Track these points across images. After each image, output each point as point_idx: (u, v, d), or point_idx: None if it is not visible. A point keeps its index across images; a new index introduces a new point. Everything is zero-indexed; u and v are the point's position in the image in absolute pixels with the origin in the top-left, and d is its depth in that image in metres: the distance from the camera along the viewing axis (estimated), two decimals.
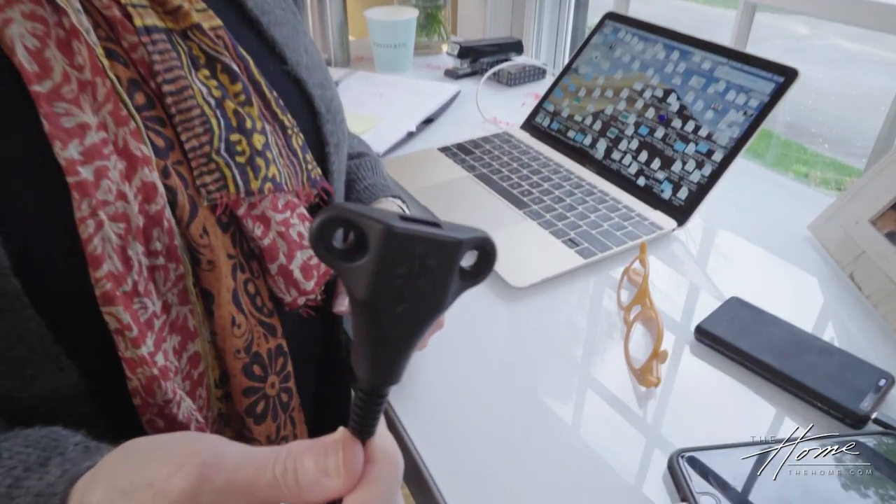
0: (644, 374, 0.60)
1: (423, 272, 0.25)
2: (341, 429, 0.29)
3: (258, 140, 0.47)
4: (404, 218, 0.25)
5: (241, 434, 0.51)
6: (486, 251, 0.27)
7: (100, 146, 0.39)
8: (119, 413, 0.43)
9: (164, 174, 0.43)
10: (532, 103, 1.16)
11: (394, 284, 0.25)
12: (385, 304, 0.26)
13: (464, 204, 0.88)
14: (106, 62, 0.41)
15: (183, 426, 0.44)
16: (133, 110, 0.41)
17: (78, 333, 0.40)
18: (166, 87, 0.43)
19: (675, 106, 0.91)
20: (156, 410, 0.43)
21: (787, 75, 0.80)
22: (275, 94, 0.50)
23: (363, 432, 0.29)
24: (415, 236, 0.25)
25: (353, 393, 0.29)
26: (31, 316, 0.37)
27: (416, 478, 0.56)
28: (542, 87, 1.34)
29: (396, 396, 0.61)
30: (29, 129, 0.37)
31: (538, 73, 1.37)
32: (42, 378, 0.39)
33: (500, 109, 1.22)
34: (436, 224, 0.26)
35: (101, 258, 0.38)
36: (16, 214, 0.37)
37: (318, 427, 0.61)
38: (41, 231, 0.38)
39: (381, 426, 0.30)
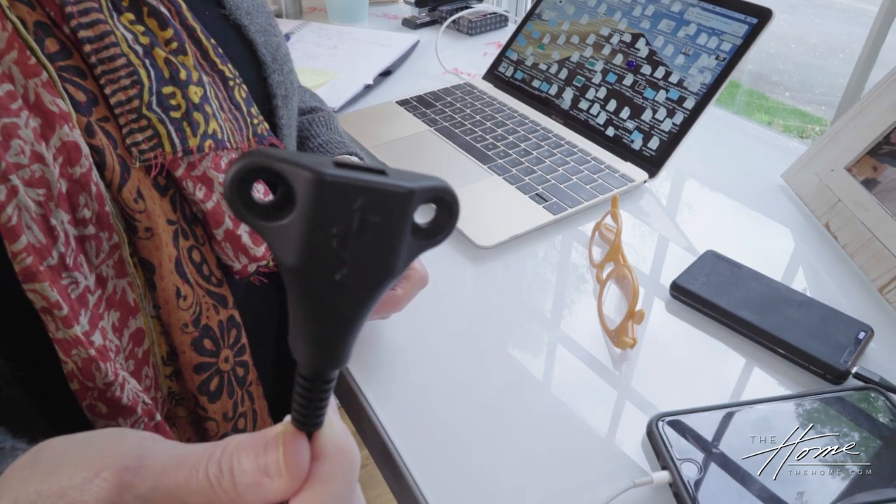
0: (619, 336, 0.57)
1: (365, 230, 0.21)
2: (284, 421, 0.25)
3: (195, 92, 0.42)
4: (341, 164, 0.20)
5: (196, 413, 0.47)
6: (446, 203, 0.22)
7: (5, 100, 0.34)
8: (56, 399, 0.39)
9: (89, 132, 0.38)
10: (494, 52, 1.11)
11: (329, 246, 0.20)
12: (320, 270, 0.21)
13: (426, 159, 0.83)
14: (4, 1, 0.35)
15: (128, 409, 0.40)
16: (44, 59, 0.36)
17: (2, 313, 0.36)
18: (83, 33, 0.38)
19: (644, 51, 0.86)
20: (96, 394, 0.39)
21: (761, 16, 0.76)
22: (212, 41, 0.45)
23: (308, 424, 0.24)
24: (353, 185, 0.20)
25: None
26: None
27: (383, 455, 0.52)
28: (504, 35, 1.29)
29: (356, 365, 0.57)
30: None
31: (500, 20, 1.31)
32: None
33: (461, 59, 1.17)
34: (381, 171, 0.21)
35: (17, 229, 0.34)
36: None
37: (279, 400, 0.57)
38: None
39: (332, 415, 0.25)
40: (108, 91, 0.39)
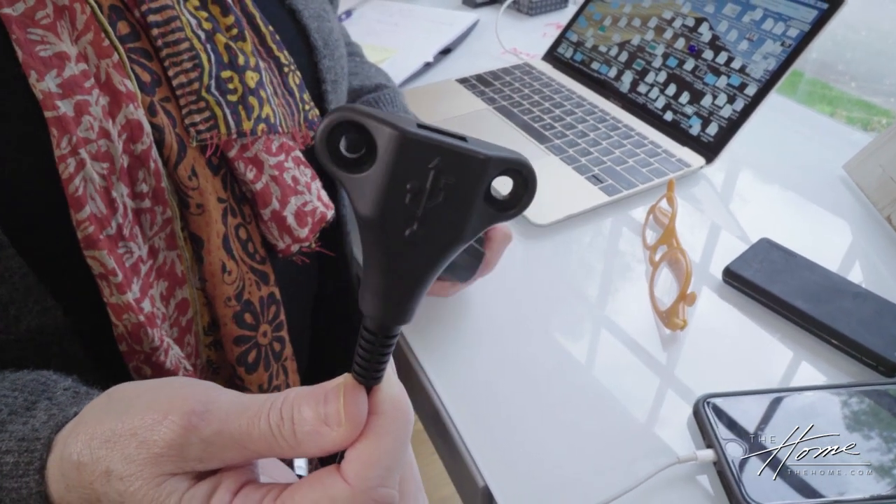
0: (670, 317, 0.58)
1: (437, 190, 0.22)
2: (345, 374, 0.26)
3: (251, 77, 0.44)
4: (424, 126, 0.22)
5: (232, 383, 0.49)
6: (523, 177, 0.23)
7: (80, 79, 0.36)
8: (107, 359, 0.42)
9: (151, 111, 0.40)
10: (554, 33, 1.11)
11: (402, 202, 0.22)
12: (392, 224, 0.22)
13: (484, 137, 0.84)
14: None
15: (170, 374, 0.42)
16: (116, 41, 0.39)
17: (62, 276, 0.38)
18: (152, 17, 0.40)
19: (706, 36, 0.86)
20: (142, 357, 0.41)
21: (832, 2, 0.75)
22: (270, 28, 0.47)
23: (368, 378, 0.26)
24: (430, 145, 0.21)
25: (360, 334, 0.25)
26: (12, 255, 0.35)
27: (434, 418, 0.55)
28: (563, 16, 1.28)
29: (411, 333, 0.59)
30: (2, 58, 0.35)
31: (560, 1, 1.31)
32: (26, 318, 0.37)
33: (520, 40, 1.17)
34: (462, 138, 0.22)
35: (83, 199, 0.36)
36: None
37: (310, 380, 0.59)
38: (20, 169, 0.36)
39: (390, 373, 0.27)
40: (171, 73, 0.41)
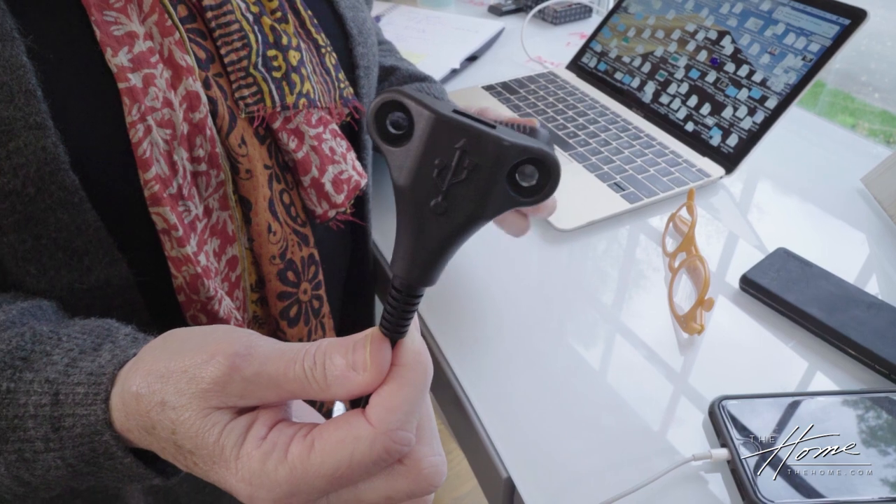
0: (688, 321, 0.60)
1: (461, 168, 0.24)
2: (372, 328, 0.30)
3: (294, 56, 0.48)
4: (459, 112, 0.25)
5: (275, 336, 0.53)
6: (546, 167, 0.25)
7: (147, 55, 0.41)
8: (162, 310, 0.46)
9: (206, 85, 0.44)
10: (577, 43, 1.13)
11: (430, 175, 0.25)
12: (420, 194, 0.25)
13: None
14: None
15: (223, 322, 0.47)
16: (177, 21, 0.43)
17: (129, 231, 0.42)
18: (207, 2, 0.45)
19: (729, 49, 0.88)
20: (199, 307, 0.46)
21: (854, 17, 0.77)
22: (309, 12, 0.51)
23: (393, 332, 0.29)
24: (458, 126, 0.24)
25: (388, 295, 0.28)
26: (88, 210, 0.39)
27: (459, 415, 0.57)
28: (587, 26, 1.31)
29: (439, 332, 0.62)
30: (82, 36, 0.39)
31: (584, 11, 1.33)
32: (97, 269, 0.42)
33: (544, 48, 1.19)
34: (492, 125, 0.25)
35: (149, 161, 0.41)
36: (72, 116, 0.39)
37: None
38: (95, 133, 0.40)
39: (414, 329, 0.30)
40: (223, 51, 0.45)
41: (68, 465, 0.33)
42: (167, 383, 0.30)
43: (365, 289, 0.70)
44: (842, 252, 0.72)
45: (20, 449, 0.33)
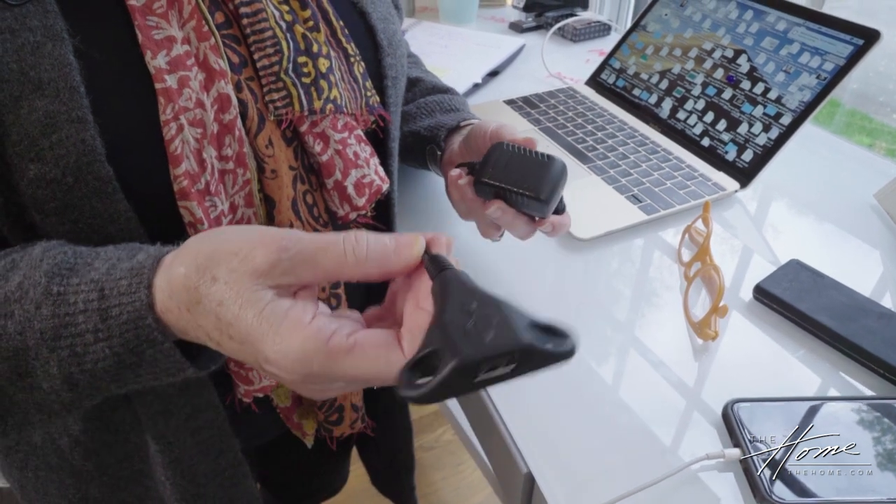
0: (703, 328, 0.62)
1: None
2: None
3: (323, 63, 0.51)
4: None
5: None
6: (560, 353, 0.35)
7: (183, 58, 0.44)
8: None
9: (237, 88, 0.47)
10: (596, 60, 1.16)
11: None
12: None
13: None
14: None
15: None
16: (213, 27, 0.46)
17: (158, 222, 0.45)
18: (243, 9, 0.47)
19: (745, 67, 0.90)
20: None
21: (868, 37, 0.79)
22: (341, 23, 0.54)
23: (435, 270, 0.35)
24: (440, 389, 0.30)
25: None
26: (121, 200, 0.42)
27: (481, 412, 0.59)
28: (606, 43, 1.34)
29: None
30: (125, 38, 0.42)
31: (603, 29, 1.36)
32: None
33: (564, 64, 1.22)
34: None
35: (180, 158, 0.44)
36: (111, 111, 0.42)
37: None
38: (131, 128, 0.43)
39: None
40: (256, 56, 0.48)
41: (115, 355, 0.37)
42: (219, 263, 0.34)
43: (385, 290, 0.71)
44: (855, 266, 0.74)
45: (72, 344, 0.36)
